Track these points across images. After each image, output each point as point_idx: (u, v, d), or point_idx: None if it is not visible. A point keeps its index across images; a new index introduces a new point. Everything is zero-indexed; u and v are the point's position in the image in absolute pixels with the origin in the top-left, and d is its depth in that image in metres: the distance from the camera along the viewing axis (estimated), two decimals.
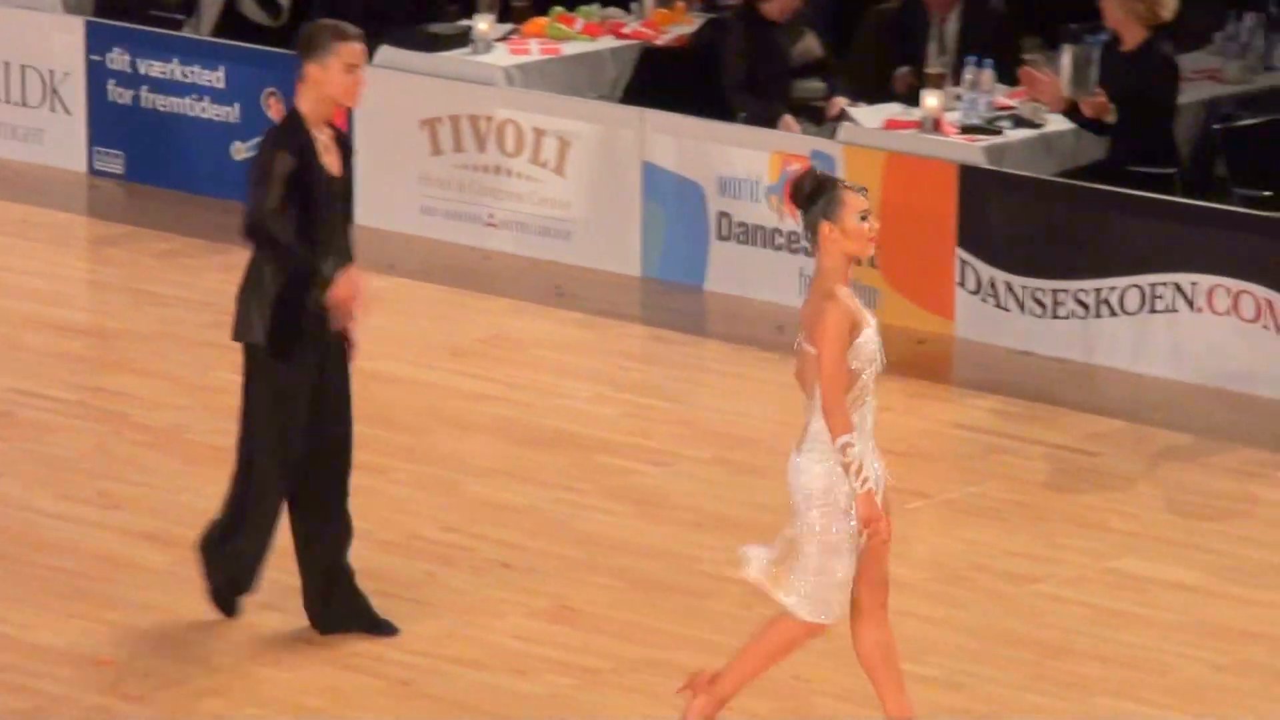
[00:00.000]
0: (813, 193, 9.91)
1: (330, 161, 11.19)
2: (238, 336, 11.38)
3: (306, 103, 11.25)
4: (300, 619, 11.45)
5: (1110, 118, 14.73)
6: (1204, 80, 15.72)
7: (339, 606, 11.36)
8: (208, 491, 12.58)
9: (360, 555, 11.96)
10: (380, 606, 11.60)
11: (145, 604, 11.67)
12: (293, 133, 11.19)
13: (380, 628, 11.40)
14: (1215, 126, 15.22)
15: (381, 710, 10.84)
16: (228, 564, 11.38)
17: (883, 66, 15.80)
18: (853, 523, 9.82)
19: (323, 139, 11.21)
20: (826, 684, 10.64)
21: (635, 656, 11.28)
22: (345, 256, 11.26)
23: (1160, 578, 12.11)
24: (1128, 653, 11.35)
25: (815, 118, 15.44)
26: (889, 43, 15.97)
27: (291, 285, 11.10)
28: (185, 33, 16.98)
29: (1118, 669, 11.21)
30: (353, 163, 11.48)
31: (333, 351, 11.25)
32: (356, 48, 11.25)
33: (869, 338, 9.86)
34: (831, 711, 10.42)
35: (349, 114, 16.04)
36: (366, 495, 12.55)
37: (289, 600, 11.52)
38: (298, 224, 11.08)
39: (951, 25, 15.86)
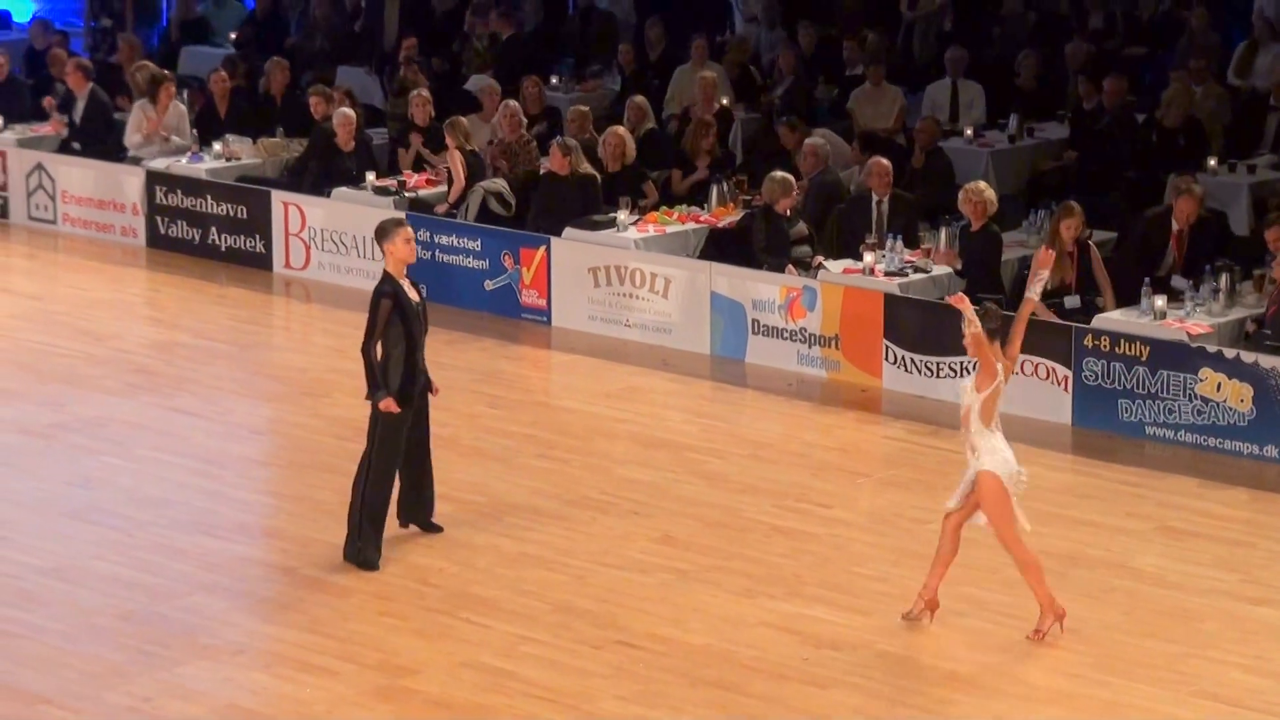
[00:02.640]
0: None
1: (412, 293, 11.03)
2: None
3: (390, 264, 11.00)
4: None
5: (958, 266, 14.71)
6: (1016, 246, 15.43)
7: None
8: (471, 472, 12.58)
9: (553, 508, 11.99)
10: (565, 537, 11.51)
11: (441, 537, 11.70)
12: (386, 281, 10.94)
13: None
14: (1024, 271, 15.02)
15: (566, 592, 10.80)
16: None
17: (844, 239, 15.77)
18: None
19: (404, 281, 11.00)
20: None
21: (707, 564, 11.24)
22: (422, 353, 10.98)
23: None
24: (972, 559, 11.12)
25: (805, 267, 15.32)
26: (846, 226, 15.85)
27: (405, 373, 10.92)
28: (458, 220, 16.90)
29: (968, 570, 11.00)
30: (423, 293, 11.21)
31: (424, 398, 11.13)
32: (409, 230, 11.02)
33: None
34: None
35: (549, 258, 16.14)
36: (554, 476, 12.61)
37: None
38: (402, 332, 10.86)
39: (885, 205, 15.58)
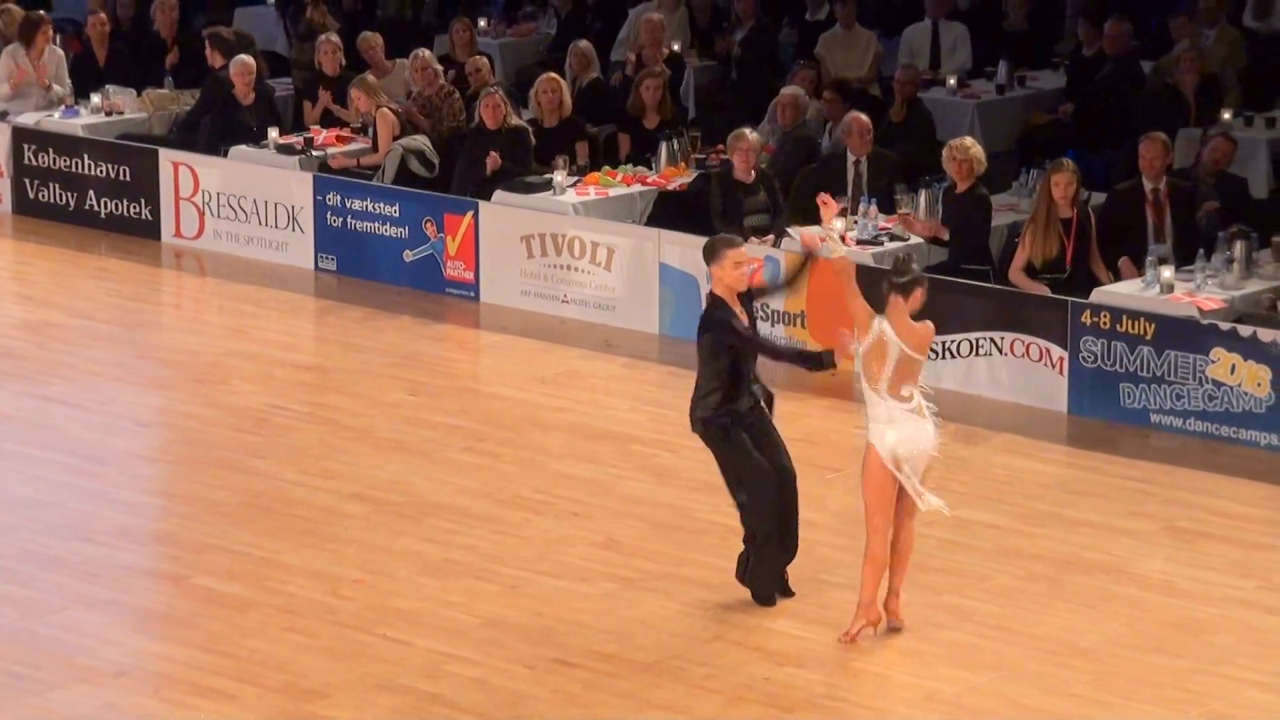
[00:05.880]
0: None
1: (743, 316, 10.76)
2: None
3: (719, 289, 10.71)
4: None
5: (944, 237, 14.77)
6: (1006, 210, 15.48)
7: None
8: (389, 468, 12.69)
9: (482, 509, 12.03)
10: (495, 541, 11.53)
11: (353, 540, 11.64)
12: (720, 307, 10.68)
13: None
14: (1015, 239, 14.95)
15: (497, 604, 10.83)
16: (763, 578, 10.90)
17: (813, 203, 15.62)
18: None
19: (735, 306, 10.73)
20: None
21: (656, 571, 11.28)
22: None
23: (976, 519, 11.96)
24: (955, 564, 11.31)
25: (760, 238, 15.15)
26: (816, 188, 15.68)
27: (725, 396, 10.78)
28: (374, 182, 16.89)
29: (950, 577, 11.16)
30: (753, 309, 10.90)
31: (759, 416, 10.89)
32: (741, 251, 10.72)
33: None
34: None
35: (476, 224, 16.08)
36: (483, 473, 12.65)
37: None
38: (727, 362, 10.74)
39: (863, 166, 15.62)
